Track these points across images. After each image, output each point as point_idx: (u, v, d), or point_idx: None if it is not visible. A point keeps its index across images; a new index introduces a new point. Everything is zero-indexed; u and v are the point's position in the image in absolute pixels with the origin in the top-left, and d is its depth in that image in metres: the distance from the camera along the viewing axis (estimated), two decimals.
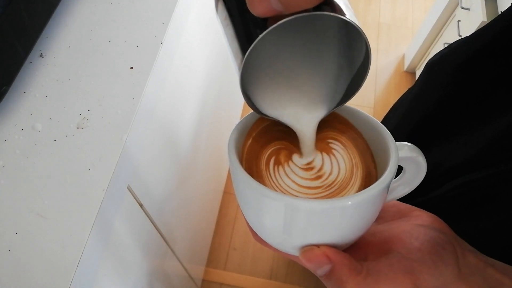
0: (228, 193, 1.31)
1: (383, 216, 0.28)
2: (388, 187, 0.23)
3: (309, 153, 0.26)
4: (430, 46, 1.44)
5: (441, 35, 1.35)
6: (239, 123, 0.27)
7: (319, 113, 0.27)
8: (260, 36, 0.19)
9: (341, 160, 0.27)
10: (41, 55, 0.42)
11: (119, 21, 0.45)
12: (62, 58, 0.42)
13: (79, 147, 0.37)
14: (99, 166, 0.36)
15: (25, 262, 0.32)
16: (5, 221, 0.33)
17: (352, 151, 0.27)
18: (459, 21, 1.16)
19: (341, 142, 0.28)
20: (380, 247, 0.25)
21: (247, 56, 0.20)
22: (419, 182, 0.28)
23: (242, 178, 0.23)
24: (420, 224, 0.26)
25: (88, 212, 0.34)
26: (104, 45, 0.43)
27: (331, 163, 0.27)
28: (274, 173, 0.26)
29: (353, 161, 0.27)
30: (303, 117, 0.26)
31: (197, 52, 0.70)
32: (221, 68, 0.91)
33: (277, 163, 0.26)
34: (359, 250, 0.26)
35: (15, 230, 0.33)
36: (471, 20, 1.07)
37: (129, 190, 0.47)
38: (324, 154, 0.27)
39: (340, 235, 0.24)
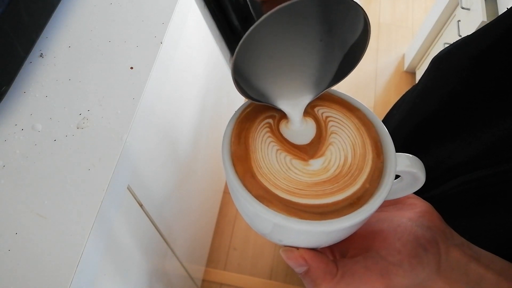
0: (228, 193, 1.31)
1: None
2: (376, 209, 0.23)
3: (295, 133, 0.27)
4: (430, 46, 1.44)
5: (441, 35, 1.35)
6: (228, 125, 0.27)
7: (307, 96, 0.27)
8: (258, 21, 0.18)
9: (352, 144, 0.26)
10: (41, 55, 0.42)
11: (119, 21, 0.45)
12: (62, 58, 0.42)
13: (79, 147, 0.37)
14: (99, 166, 0.36)
15: (25, 262, 0.32)
16: (5, 221, 0.33)
17: (364, 136, 0.26)
18: (459, 21, 1.16)
19: (353, 124, 0.27)
20: (363, 242, 0.26)
21: (238, 50, 0.20)
22: (413, 192, 0.27)
23: (236, 186, 0.23)
24: (409, 219, 0.26)
25: (88, 212, 0.34)
26: (104, 45, 0.43)
27: (342, 150, 0.26)
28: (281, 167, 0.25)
29: (366, 147, 0.26)
30: (291, 101, 0.27)
31: (197, 52, 0.70)
32: (221, 68, 0.91)
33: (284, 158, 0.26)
34: (341, 242, 0.27)
35: (15, 230, 0.33)
36: (471, 20, 1.07)
37: (129, 190, 0.47)
38: (333, 144, 0.26)
39: (322, 244, 0.25)
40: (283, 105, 0.27)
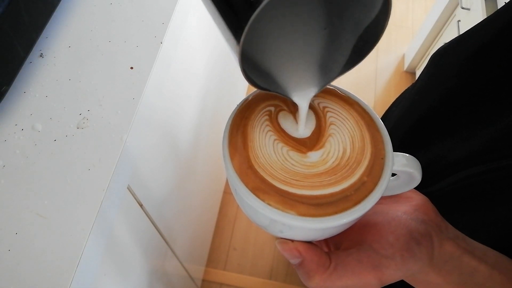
0: (228, 193, 1.31)
1: None
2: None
3: (303, 124, 0.26)
4: (430, 46, 1.44)
5: (441, 35, 1.35)
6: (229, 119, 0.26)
7: (316, 85, 0.26)
8: (262, 5, 0.18)
9: (351, 137, 0.26)
10: (41, 55, 0.42)
11: (119, 21, 0.45)
12: (62, 58, 0.42)
13: (79, 147, 0.37)
14: (99, 166, 0.36)
15: (25, 262, 0.32)
16: (5, 221, 0.33)
17: (363, 130, 0.26)
18: (459, 21, 1.16)
19: (352, 117, 0.27)
20: (357, 234, 0.26)
21: (246, 34, 0.19)
22: (408, 190, 0.28)
23: (234, 179, 0.23)
24: (404, 212, 0.26)
25: (88, 212, 0.34)
26: (104, 45, 0.43)
27: (341, 142, 0.25)
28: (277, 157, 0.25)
29: (365, 140, 0.26)
30: (300, 91, 0.26)
31: (197, 51, 0.70)
32: (221, 68, 0.91)
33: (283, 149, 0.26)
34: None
35: (15, 230, 0.33)
36: (471, 20, 1.07)
37: (129, 190, 0.47)
38: (332, 135, 0.26)
39: (317, 238, 0.26)
40: (293, 94, 0.26)
